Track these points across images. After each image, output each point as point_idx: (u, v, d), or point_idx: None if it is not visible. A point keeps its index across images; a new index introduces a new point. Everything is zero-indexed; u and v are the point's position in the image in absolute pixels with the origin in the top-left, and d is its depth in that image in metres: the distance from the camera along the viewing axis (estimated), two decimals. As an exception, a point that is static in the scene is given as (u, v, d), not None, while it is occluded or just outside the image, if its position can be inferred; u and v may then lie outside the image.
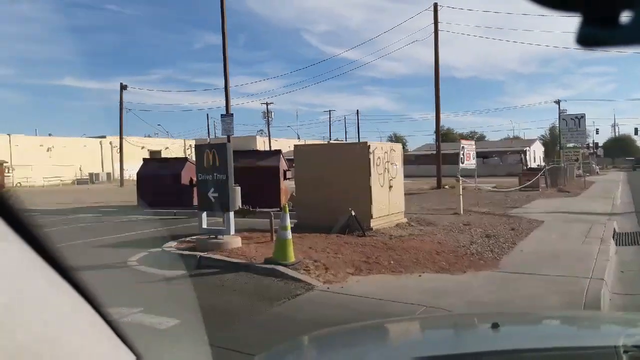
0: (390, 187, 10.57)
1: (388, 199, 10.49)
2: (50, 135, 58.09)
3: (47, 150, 50.63)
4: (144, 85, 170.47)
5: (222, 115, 16.39)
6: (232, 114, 16.24)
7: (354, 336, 2.00)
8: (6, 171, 45.81)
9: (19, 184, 46.66)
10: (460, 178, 14.39)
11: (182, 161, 18.16)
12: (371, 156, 9.85)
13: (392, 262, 7.43)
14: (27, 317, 0.65)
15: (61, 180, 48.74)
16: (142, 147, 59.04)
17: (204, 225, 8.47)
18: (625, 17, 0.58)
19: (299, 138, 75.94)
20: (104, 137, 57.98)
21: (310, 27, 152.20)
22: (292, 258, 6.84)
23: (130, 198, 22.42)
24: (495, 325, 1.63)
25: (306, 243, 8.44)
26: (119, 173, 56.73)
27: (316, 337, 2.04)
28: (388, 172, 10.54)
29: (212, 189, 8.12)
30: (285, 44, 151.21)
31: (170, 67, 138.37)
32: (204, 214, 8.46)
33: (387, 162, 10.54)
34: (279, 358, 1.79)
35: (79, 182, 49.70)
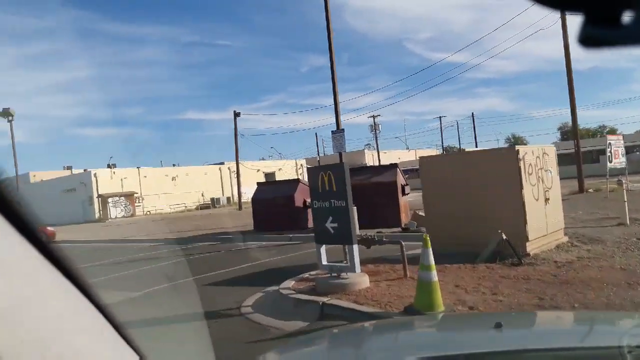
0: (547, 199, 8.48)
1: (545, 215, 8.40)
2: (174, 165, 62.25)
3: (172, 179, 54.05)
4: (258, 112, 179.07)
5: (332, 131, 15.27)
6: (343, 129, 15.05)
7: (356, 336, 2.08)
8: (136, 201, 49.65)
9: (148, 212, 50.23)
10: (614, 179, 11.64)
11: (294, 183, 17.40)
12: (521, 163, 7.90)
13: (575, 304, 5.49)
14: (33, 318, 0.65)
15: (186, 206, 51.61)
16: (258, 170, 60.91)
17: (324, 262, 7.14)
18: (627, 17, 0.58)
19: (407, 149, 73.57)
20: (222, 163, 60.74)
21: (413, 36, 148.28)
22: (440, 306, 5.23)
23: (247, 222, 22.19)
24: (498, 326, 1.63)
25: (450, 278, 6.75)
26: (237, 196, 59.26)
27: (317, 337, 2.30)
28: (542, 181, 8.48)
29: (330, 219, 6.78)
30: (388, 56, 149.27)
31: (280, 92, 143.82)
32: (323, 248, 7.14)
33: (540, 169, 8.48)
34: (282, 358, 1.82)
35: (202, 207, 52.24)
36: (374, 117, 59.22)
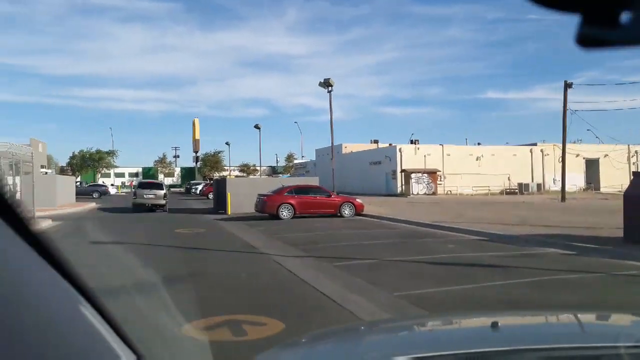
0: None
1: None
2: (478, 144, 57.98)
3: (476, 159, 50.01)
4: (560, 92, 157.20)
5: None
6: None
7: (354, 336, 2.11)
8: (438, 179, 47.51)
9: (449, 192, 47.60)
10: None
11: None
12: None
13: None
14: (29, 317, 0.65)
15: (489, 190, 47.00)
16: (577, 155, 51.33)
17: None
18: (625, 17, 0.58)
19: None
20: (534, 144, 53.44)
21: None
22: None
23: (585, 220, 16.47)
24: (494, 325, 1.67)
25: None
26: (550, 184, 51.11)
27: (316, 337, 2.19)
28: None
29: None
30: None
31: (595, 69, 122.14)
32: None
33: None
34: (278, 358, 1.84)
35: (507, 192, 46.76)
36: None
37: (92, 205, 34.31)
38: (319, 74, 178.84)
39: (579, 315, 2.48)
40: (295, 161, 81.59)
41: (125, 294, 6.07)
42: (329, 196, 21.98)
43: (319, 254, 11.31)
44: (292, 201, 21.10)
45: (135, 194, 27.93)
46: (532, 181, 49.81)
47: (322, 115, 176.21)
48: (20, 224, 0.70)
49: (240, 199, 25.44)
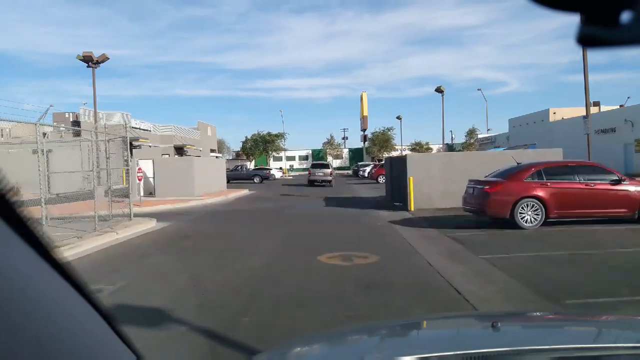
0: None
1: None
2: None
3: None
4: None
5: None
6: None
7: (354, 336, 2.07)
8: None
9: None
10: None
11: None
12: None
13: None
14: (26, 317, 0.65)
15: None
16: None
17: None
18: (626, 17, 0.58)
19: None
20: None
21: None
22: None
23: None
24: (494, 325, 1.68)
25: None
26: None
27: (316, 337, 2.19)
28: None
29: None
30: None
31: None
32: None
33: None
34: (278, 358, 1.83)
35: None
36: None
37: (243, 192, 28.37)
38: (493, 44, 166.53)
39: (579, 317, 2.47)
40: (480, 136, 68.56)
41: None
42: (617, 182, 11.14)
43: None
44: (541, 193, 10.91)
45: (309, 172, 36.46)
46: None
47: (498, 88, 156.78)
48: (19, 224, 0.70)
49: (428, 186, 16.10)
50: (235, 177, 43.37)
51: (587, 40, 0.60)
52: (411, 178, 15.95)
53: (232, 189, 31.77)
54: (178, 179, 23.31)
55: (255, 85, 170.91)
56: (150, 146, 44.16)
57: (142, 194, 23.45)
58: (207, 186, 25.62)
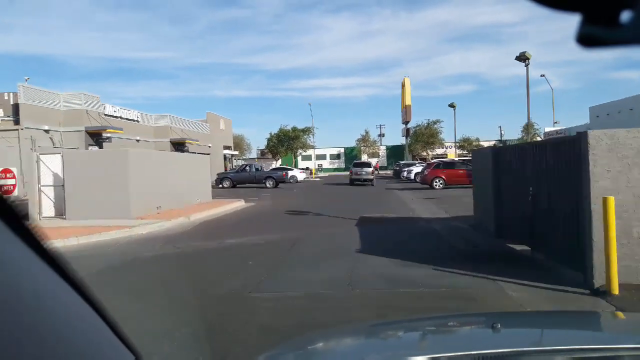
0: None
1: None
2: None
3: None
4: None
5: None
6: None
7: (354, 337, 2.05)
8: None
9: None
10: None
11: None
12: None
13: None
14: (26, 317, 0.64)
15: None
16: None
17: None
18: (626, 16, 0.58)
19: None
20: None
21: None
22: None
23: None
24: (494, 326, 1.65)
25: None
26: None
27: (316, 338, 2.10)
28: None
29: None
30: None
31: None
32: None
33: None
34: (278, 358, 1.80)
35: None
36: None
37: (232, 207, 18.44)
38: (532, 41, 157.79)
39: (579, 317, 2.44)
40: (546, 129, 56.58)
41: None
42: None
43: None
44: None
45: (351, 172, 34.56)
46: None
47: (537, 87, 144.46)
48: (18, 224, 0.69)
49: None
50: (241, 180, 33.30)
51: (587, 40, 0.60)
52: (610, 200, 5.48)
53: (225, 197, 21.86)
54: (106, 188, 13.55)
55: (290, 85, 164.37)
56: (138, 140, 34.96)
57: (43, 214, 13.81)
58: (164, 199, 15.67)
